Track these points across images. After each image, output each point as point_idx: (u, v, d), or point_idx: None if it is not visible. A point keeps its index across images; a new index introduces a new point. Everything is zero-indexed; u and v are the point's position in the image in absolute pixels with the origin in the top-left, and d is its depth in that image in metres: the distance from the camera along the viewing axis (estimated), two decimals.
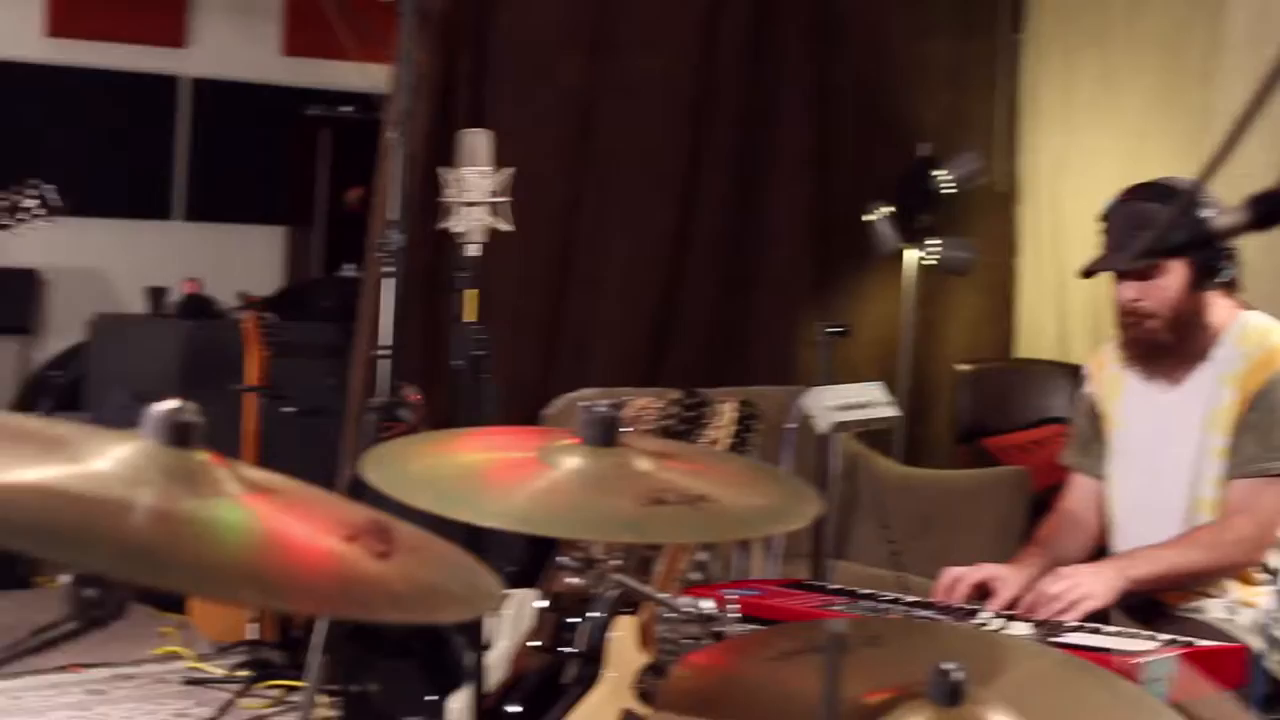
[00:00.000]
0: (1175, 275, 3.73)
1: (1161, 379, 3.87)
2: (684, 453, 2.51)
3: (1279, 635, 3.69)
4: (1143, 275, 3.75)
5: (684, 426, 4.31)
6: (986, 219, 7.29)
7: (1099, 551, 4.01)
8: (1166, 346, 3.80)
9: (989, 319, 7.41)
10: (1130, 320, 3.82)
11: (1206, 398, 3.79)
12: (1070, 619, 3.42)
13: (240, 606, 5.40)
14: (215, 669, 5.80)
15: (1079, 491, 4.05)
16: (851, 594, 3.64)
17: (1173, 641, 3.18)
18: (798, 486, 2.14)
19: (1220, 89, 6.23)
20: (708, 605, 2.84)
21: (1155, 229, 1.33)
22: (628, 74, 6.39)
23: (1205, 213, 1.30)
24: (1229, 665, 3.24)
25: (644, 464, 2.29)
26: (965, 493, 5.98)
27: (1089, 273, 3.87)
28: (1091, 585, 3.49)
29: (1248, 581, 3.77)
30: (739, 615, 2.87)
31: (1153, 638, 3.23)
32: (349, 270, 7.64)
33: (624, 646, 3.38)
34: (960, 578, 3.64)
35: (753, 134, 6.72)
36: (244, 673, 5.63)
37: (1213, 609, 3.75)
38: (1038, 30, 7.37)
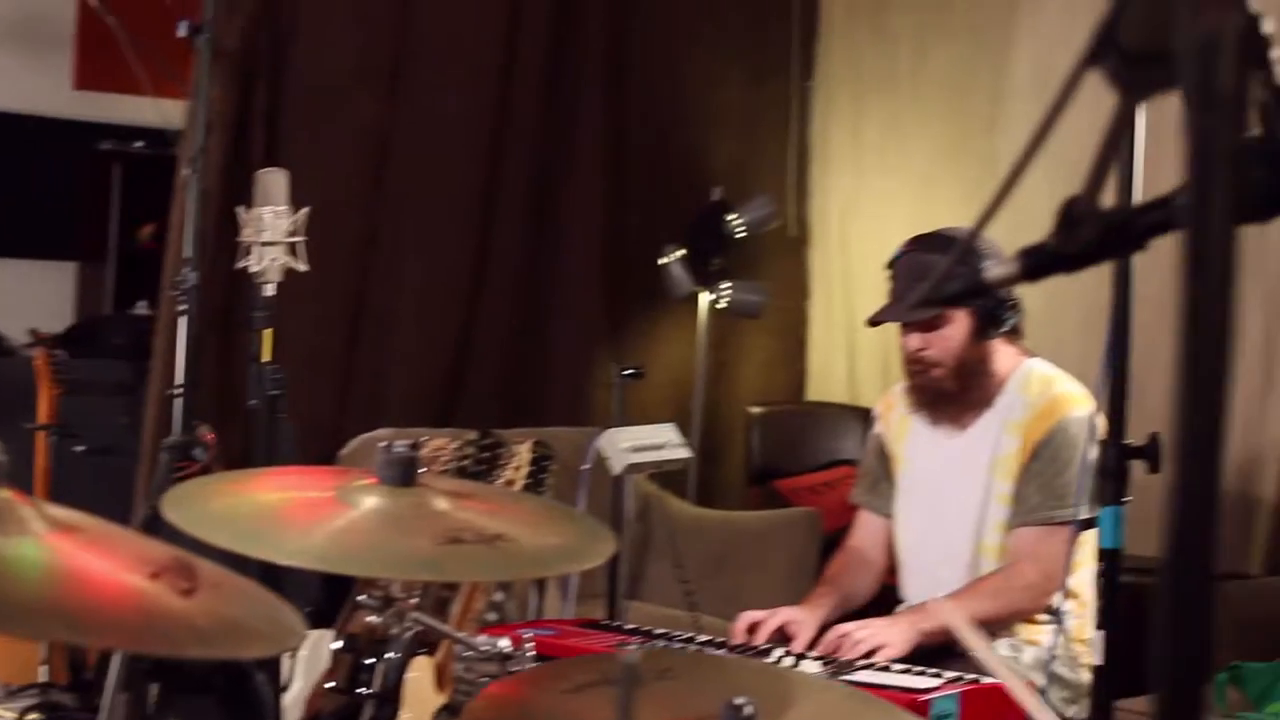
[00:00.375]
0: (959, 325, 3.83)
1: (948, 424, 3.95)
2: (480, 493, 2.53)
3: (1060, 672, 3.79)
4: (927, 325, 3.84)
5: (480, 467, 4.32)
6: (778, 262, 7.37)
7: (887, 590, 4.09)
8: (952, 394, 3.89)
9: (781, 362, 7.49)
10: (916, 368, 3.91)
11: (991, 444, 3.88)
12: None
13: (45, 643, 5.28)
14: (5, 712, 5.67)
15: (867, 529, 4.13)
16: (646, 634, 3.66)
17: (958, 678, 3.23)
18: (592, 526, 2.16)
19: (1005, 135, 6.38)
20: (504, 644, 2.85)
21: (930, 281, 1.37)
22: (424, 112, 6.39)
23: (982, 263, 1.35)
24: (1013, 702, 3.31)
25: (441, 503, 2.30)
26: (757, 533, 6.03)
27: (874, 322, 3.96)
28: (888, 635, 3.57)
29: (1031, 621, 3.86)
30: (535, 654, 2.88)
31: (939, 675, 3.28)
32: (141, 308, 7.53)
33: (420, 687, 3.37)
34: (758, 622, 3.68)
35: (548, 175, 6.74)
36: (34, 716, 5.50)
37: (997, 647, 3.83)
38: (828, 76, 7.48)
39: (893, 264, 3.90)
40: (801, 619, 3.69)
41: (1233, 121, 0.77)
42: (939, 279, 1.37)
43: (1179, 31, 0.76)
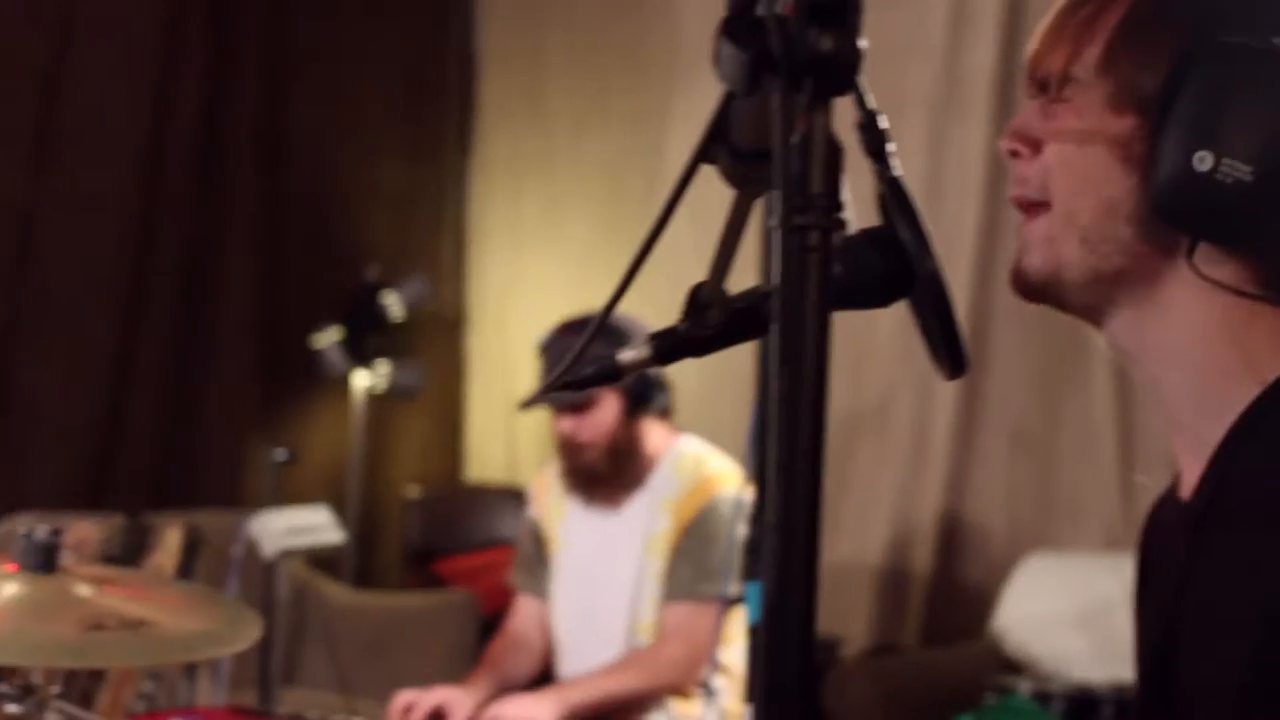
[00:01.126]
0: (608, 407, 3.89)
1: (602, 505, 4.00)
2: (124, 578, 2.48)
3: None
4: (577, 408, 3.89)
5: (128, 553, 4.22)
6: (436, 344, 7.37)
7: (546, 671, 4.12)
8: (605, 475, 3.95)
9: (439, 444, 7.49)
10: (569, 451, 3.96)
11: (645, 523, 3.94)
12: None
13: None
14: None
15: (524, 612, 4.15)
16: None
17: None
18: (237, 610, 2.15)
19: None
20: None
21: (561, 367, 1.40)
22: (71, 190, 6.24)
23: (623, 346, 1.39)
24: None
25: (84, 590, 2.25)
26: (415, 616, 5.99)
27: (525, 406, 4.02)
28: (534, 712, 3.58)
29: (684, 695, 3.92)
30: None
31: None
32: None
33: None
34: (413, 703, 3.67)
35: (200, 255, 6.63)
36: None
37: None
38: (486, 155, 7.52)
39: (543, 348, 3.95)
40: (457, 700, 3.69)
41: (824, 218, 0.83)
42: (571, 364, 1.41)
43: (773, 133, 0.81)
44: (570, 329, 3.89)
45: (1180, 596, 1.44)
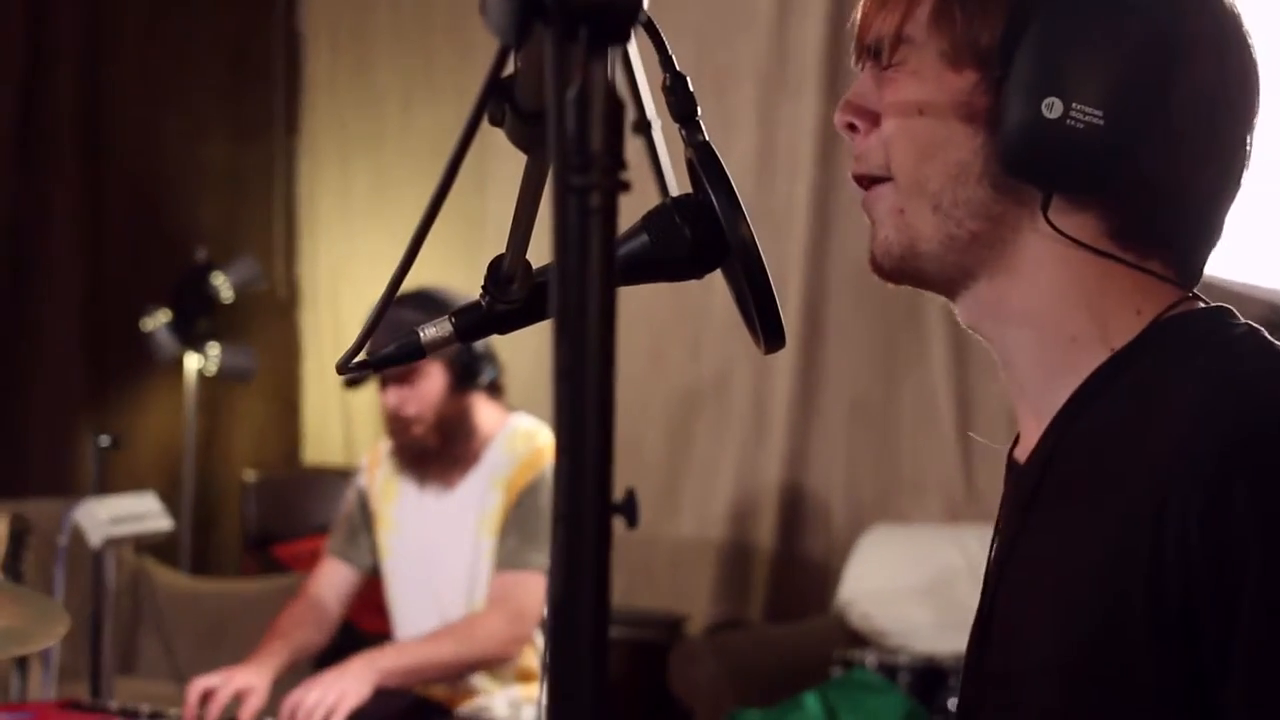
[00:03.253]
0: (434, 379, 3.84)
1: (435, 484, 3.95)
2: None
3: None
4: (402, 380, 3.84)
5: None
6: (268, 325, 7.28)
7: (353, 639, 4.04)
8: (435, 451, 3.90)
9: (275, 426, 7.40)
10: (397, 426, 3.91)
11: (478, 502, 3.89)
12: None
13: None
14: None
15: (331, 579, 4.06)
16: (134, 712, 3.54)
17: None
18: (43, 605, 2.07)
19: (492, 195, 6.43)
20: None
21: (358, 341, 1.34)
22: None
23: (424, 325, 1.33)
24: None
25: None
26: (254, 602, 5.91)
27: (349, 383, 3.95)
28: (343, 685, 3.48)
29: (529, 679, 3.88)
30: None
31: None
32: None
33: None
34: (210, 691, 3.55)
35: (22, 240, 6.51)
36: None
37: (497, 708, 3.83)
38: (313, 133, 7.44)
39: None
40: (253, 684, 3.56)
41: (606, 178, 0.77)
42: (365, 338, 1.34)
43: (547, 90, 0.75)
44: (401, 302, 3.82)
45: (1005, 561, 1.42)
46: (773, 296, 1.34)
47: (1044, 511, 1.38)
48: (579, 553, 0.76)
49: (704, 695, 4.83)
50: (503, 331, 1.36)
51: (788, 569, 5.85)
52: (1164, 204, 1.37)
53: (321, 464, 7.32)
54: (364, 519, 4.07)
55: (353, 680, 3.50)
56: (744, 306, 1.37)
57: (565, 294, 0.77)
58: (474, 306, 1.36)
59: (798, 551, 5.85)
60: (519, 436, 3.91)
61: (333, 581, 4.04)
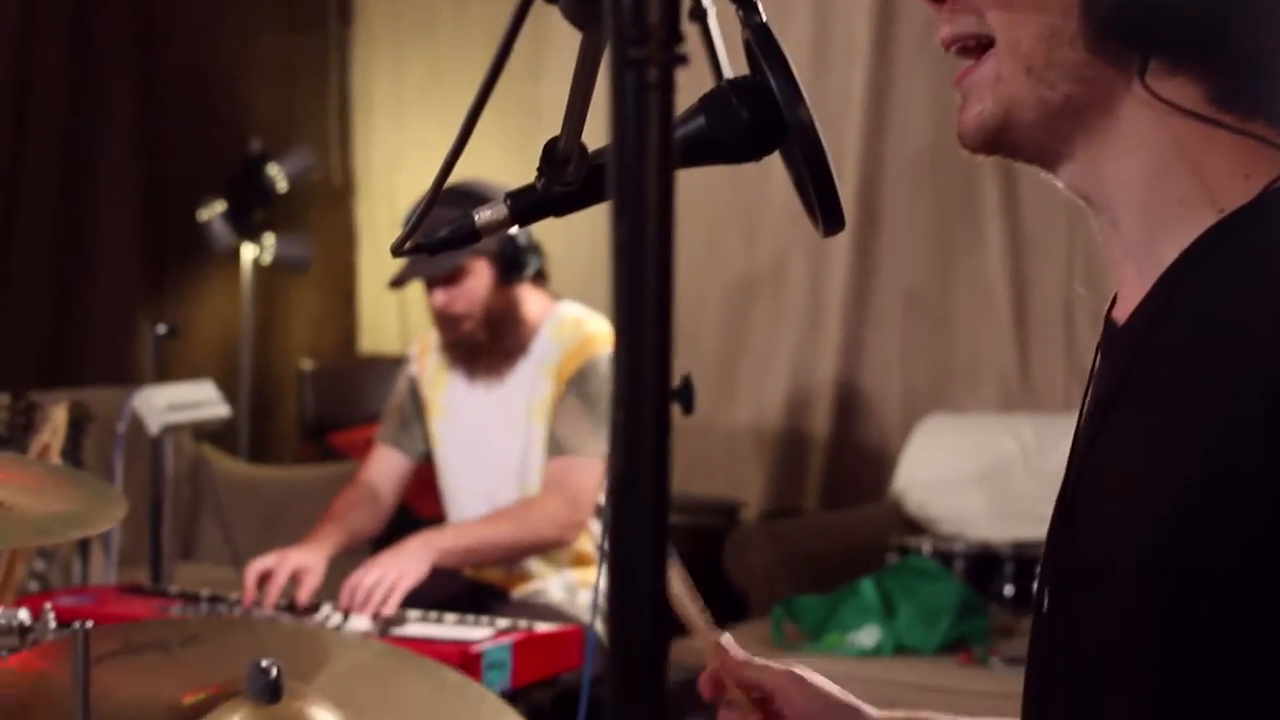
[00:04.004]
0: (480, 276, 3.83)
1: (485, 376, 3.95)
2: None
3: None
4: (449, 280, 3.83)
5: (13, 432, 4.15)
6: (324, 215, 7.30)
7: (407, 524, 4.06)
8: (485, 345, 3.90)
9: (331, 315, 7.43)
10: (446, 324, 3.91)
11: (528, 390, 3.90)
12: (394, 602, 3.45)
13: None
14: None
15: (384, 466, 4.09)
16: (193, 597, 3.58)
17: (512, 627, 3.26)
18: (102, 490, 2.08)
19: (547, 84, 6.41)
20: (22, 616, 2.73)
21: (407, 229, 1.34)
22: None
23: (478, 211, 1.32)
24: (567, 646, 3.34)
25: None
26: (311, 488, 5.96)
27: (394, 284, 3.94)
28: (401, 565, 3.50)
29: (584, 563, 3.90)
30: (57, 625, 2.77)
31: (491, 624, 3.29)
32: None
33: None
34: (267, 573, 3.59)
35: (80, 131, 6.51)
36: None
37: (552, 591, 3.86)
38: (367, 23, 7.41)
39: (407, 219, 3.85)
40: (309, 564, 3.58)
41: (663, 51, 0.76)
42: (424, 228, 1.34)
43: None
44: (442, 199, 3.79)
45: (1099, 426, 1.36)
46: (832, 178, 1.32)
47: (1147, 374, 1.34)
48: (639, 432, 0.76)
49: (759, 581, 4.86)
50: (558, 214, 1.35)
51: (843, 457, 5.86)
52: (1266, 68, 1.33)
53: (377, 353, 7.35)
54: (415, 407, 4.09)
55: (410, 559, 3.53)
56: (802, 189, 1.36)
57: (623, 170, 0.76)
58: (529, 189, 1.35)
59: (853, 440, 5.86)
60: (566, 324, 3.91)
61: (385, 468, 4.07)
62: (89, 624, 1.75)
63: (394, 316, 7.33)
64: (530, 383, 3.90)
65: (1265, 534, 1.20)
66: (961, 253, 5.70)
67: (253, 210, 6.70)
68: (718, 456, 5.96)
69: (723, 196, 5.92)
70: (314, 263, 7.00)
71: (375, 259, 7.39)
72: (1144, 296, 1.36)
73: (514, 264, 3.85)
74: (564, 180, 1.32)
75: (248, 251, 6.74)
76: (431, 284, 3.87)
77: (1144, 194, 1.35)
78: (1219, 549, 1.23)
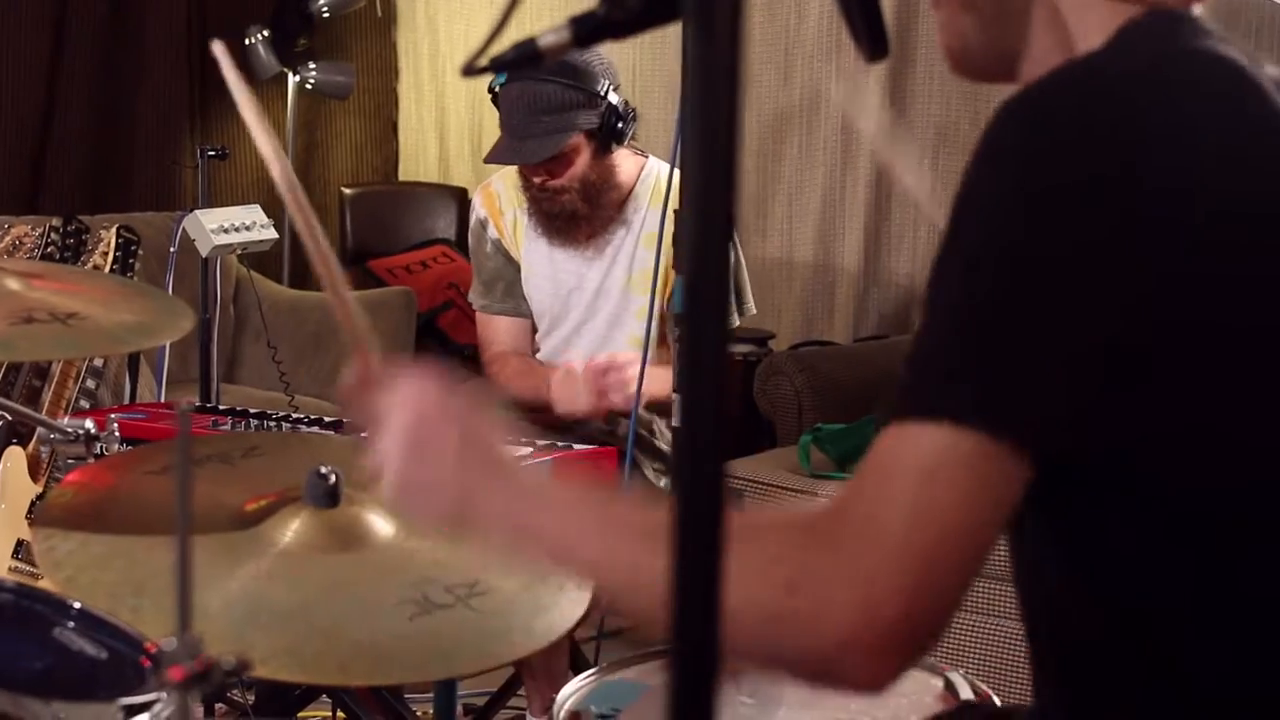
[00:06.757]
0: (582, 153, 3.79)
1: (579, 246, 3.94)
2: (55, 273, 2.48)
3: (661, 447, 3.91)
4: (550, 166, 3.79)
5: (65, 254, 4.23)
6: (365, 42, 7.30)
7: None
8: (582, 215, 3.86)
9: (372, 142, 7.46)
10: (542, 195, 3.86)
11: (627, 261, 3.92)
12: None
13: None
14: None
15: (512, 334, 4.07)
16: (242, 414, 3.65)
17: (551, 445, 3.30)
18: (169, 303, 2.15)
19: None
20: (89, 426, 2.83)
21: (479, 49, 1.39)
22: None
23: (540, 36, 1.36)
24: (604, 466, 3.39)
25: (13, 284, 2.26)
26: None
27: (491, 160, 3.87)
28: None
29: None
30: (121, 437, 2.86)
31: (531, 443, 3.32)
32: None
33: (14, 478, 3.32)
34: (611, 365, 3.70)
35: None
36: None
37: (663, 428, 3.89)
38: None
39: (499, 94, 3.82)
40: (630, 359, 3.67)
41: None
42: (487, 43, 1.38)
43: None
44: (524, 73, 3.69)
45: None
46: (877, 2, 1.38)
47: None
48: (709, 244, 0.81)
49: (787, 410, 4.90)
50: (619, 37, 1.39)
51: (874, 290, 5.90)
52: None
53: (417, 180, 7.39)
54: (511, 269, 4.05)
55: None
56: (849, 12, 1.41)
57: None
58: (591, 15, 1.40)
59: (883, 273, 5.89)
60: (662, 186, 3.78)
61: (513, 335, 4.06)
62: (193, 401, 1.82)
63: (433, 145, 7.35)
64: (630, 253, 3.92)
65: None
66: (992, 90, 5.69)
67: (296, 37, 6.72)
68: (750, 287, 5.99)
69: (756, 31, 5.90)
70: (355, 90, 7.02)
71: (416, 87, 7.40)
72: None
73: (613, 133, 3.80)
74: (625, 5, 1.37)
75: (290, 78, 6.77)
76: (532, 168, 3.83)
77: (1048, 66, 1.41)
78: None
